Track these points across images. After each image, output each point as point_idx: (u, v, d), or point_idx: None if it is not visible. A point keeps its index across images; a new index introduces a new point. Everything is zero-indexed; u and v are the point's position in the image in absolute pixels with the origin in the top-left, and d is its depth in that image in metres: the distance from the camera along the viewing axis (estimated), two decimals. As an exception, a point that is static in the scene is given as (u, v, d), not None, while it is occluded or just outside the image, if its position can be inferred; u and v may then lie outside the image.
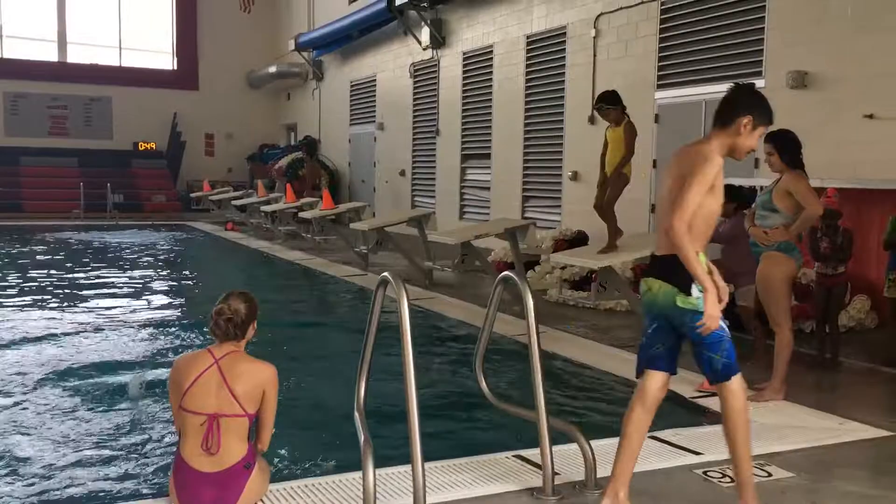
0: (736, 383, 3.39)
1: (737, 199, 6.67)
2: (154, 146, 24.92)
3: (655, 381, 3.48)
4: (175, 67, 25.73)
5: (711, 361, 3.37)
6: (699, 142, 3.52)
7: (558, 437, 3.71)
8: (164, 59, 25.74)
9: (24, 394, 5.62)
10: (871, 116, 8.03)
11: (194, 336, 7.54)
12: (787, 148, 5.33)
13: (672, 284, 3.35)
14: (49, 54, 24.52)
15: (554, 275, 9.65)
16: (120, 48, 25.29)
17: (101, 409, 5.29)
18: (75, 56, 24.78)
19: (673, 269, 3.33)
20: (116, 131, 24.77)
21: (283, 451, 4.35)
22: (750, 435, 3.41)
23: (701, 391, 5.39)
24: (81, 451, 4.52)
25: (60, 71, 24.34)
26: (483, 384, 4.35)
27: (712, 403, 5.16)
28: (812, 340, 6.60)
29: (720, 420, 4.85)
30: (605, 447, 4.19)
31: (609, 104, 6.92)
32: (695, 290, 3.30)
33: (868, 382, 6.02)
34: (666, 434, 4.49)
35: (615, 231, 6.95)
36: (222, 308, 3.23)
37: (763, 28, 9.29)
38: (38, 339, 7.31)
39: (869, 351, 6.74)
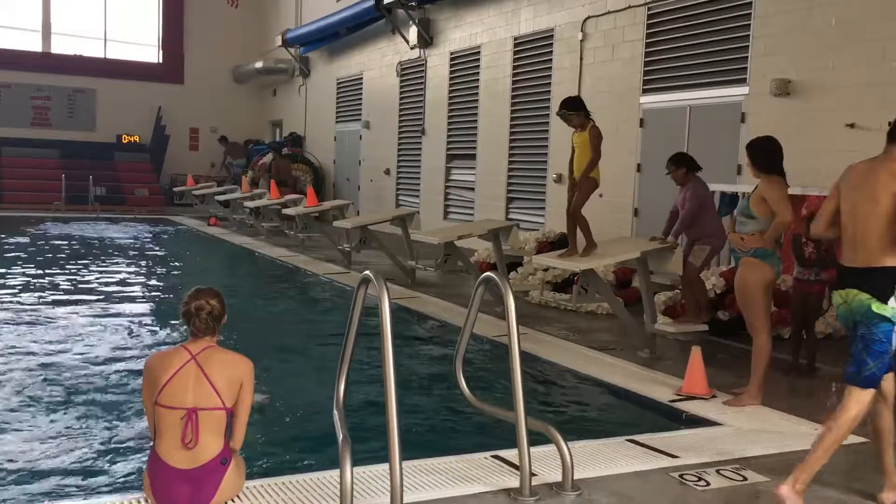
0: (866, 396, 3.64)
1: (685, 163, 6.97)
2: (138, 139, 24.72)
3: (889, 383, 3.74)
4: (160, 61, 25.55)
5: (864, 364, 3.63)
6: (885, 158, 3.77)
7: (536, 439, 3.72)
8: (149, 51, 25.56)
9: None
10: (852, 126, 8.11)
11: (170, 331, 7.50)
12: (760, 154, 5.38)
13: (870, 294, 3.61)
14: (33, 44, 24.29)
15: (536, 276, 9.68)
16: (105, 40, 25.08)
17: (73, 405, 5.25)
18: (60, 47, 24.54)
19: (875, 280, 3.61)
20: (100, 123, 24.56)
21: (260, 448, 4.33)
22: (840, 442, 3.65)
23: (679, 395, 5.43)
24: (55, 448, 4.48)
25: (44, 61, 24.10)
26: (462, 384, 4.36)
27: (689, 407, 5.21)
28: (790, 346, 6.65)
29: (699, 424, 4.93)
30: (582, 449, 4.22)
31: (571, 109, 7.00)
32: (892, 301, 3.57)
33: (842, 389, 6.07)
34: (643, 437, 4.52)
35: (589, 232, 7.01)
36: (202, 304, 3.22)
37: (748, 35, 9.36)
38: (13, 333, 7.25)
39: (844, 358, 6.79)
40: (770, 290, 5.37)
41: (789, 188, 5.42)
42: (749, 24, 9.34)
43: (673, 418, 5.12)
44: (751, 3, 9.31)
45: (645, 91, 10.93)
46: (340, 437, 3.30)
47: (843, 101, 8.28)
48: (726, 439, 4.59)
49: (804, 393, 5.93)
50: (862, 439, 4.67)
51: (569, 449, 3.72)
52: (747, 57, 9.37)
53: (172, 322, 7.86)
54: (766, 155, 5.36)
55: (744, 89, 9.42)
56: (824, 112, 8.46)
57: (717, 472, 4.04)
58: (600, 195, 10.90)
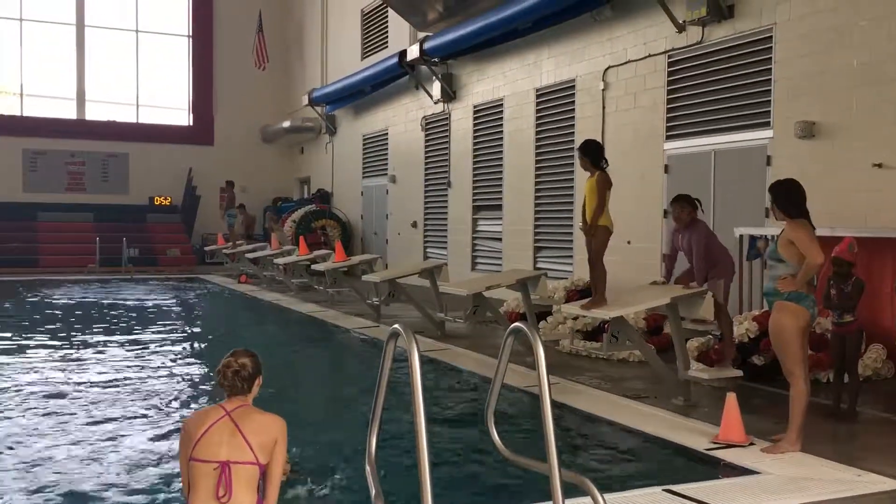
0: None
1: (693, 204, 7.18)
2: (170, 201, 25.23)
3: None
4: (191, 123, 26.18)
5: None
6: None
7: (571, 490, 3.67)
8: (180, 115, 26.21)
9: (27, 453, 5.62)
10: (879, 165, 8.07)
11: (205, 390, 7.54)
12: (781, 197, 5.36)
13: None
14: (68, 112, 25.04)
15: (566, 325, 9.63)
16: (137, 105, 25.80)
17: (104, 468, 5.28)
18: (94, 113, 25.28)
19: None
20: (133, 186, 25.11)
21: (294, 506, 4.32)
22: None
23: (715, 443, 5.34)
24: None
25: (79, 128, 24.80)
26: (495, 436, 4.32)
27: (727, 455, 5.11)
28: (829, 390, 6.53)
29: (737, 472, 4.84)
30: (618, 500, 4.15)
31: (580, 151, 7.13)
32: None
33: (885, 433, 5.93)
34: (680, 487, 4.44)
35: (604, 285, 7.00)
36: (229, 361, 3.29)
37: (770, 80, 9.39)
38: (49, 397, 7.35)
39: (886, 401, 6.66)
40: (805, 333, 5.30)
41: (816, 230, 5.38)
42: (770, 69, 9.38)
43: (710, 467, 5.02)
44: (771, 47, 9.37)
45: (668, 137, 10.96)
46: (373, 492, 3.29)
47: (868, 142, 8.24)
48: (765, 488, 4.50)
49: (846, 438, 5.80)
50: (907, 485, 4.55)
51: (605, 500, 3.66)
52: (770, 101, 9.39)
53: (203, 381, 7.91)
54: (789, 198, 5.35)
55: (768, 132, 9.42)
56: (850, 153, 8.43)
57: (758, 521, 3.96)
58: (628, 242, 10.94)
